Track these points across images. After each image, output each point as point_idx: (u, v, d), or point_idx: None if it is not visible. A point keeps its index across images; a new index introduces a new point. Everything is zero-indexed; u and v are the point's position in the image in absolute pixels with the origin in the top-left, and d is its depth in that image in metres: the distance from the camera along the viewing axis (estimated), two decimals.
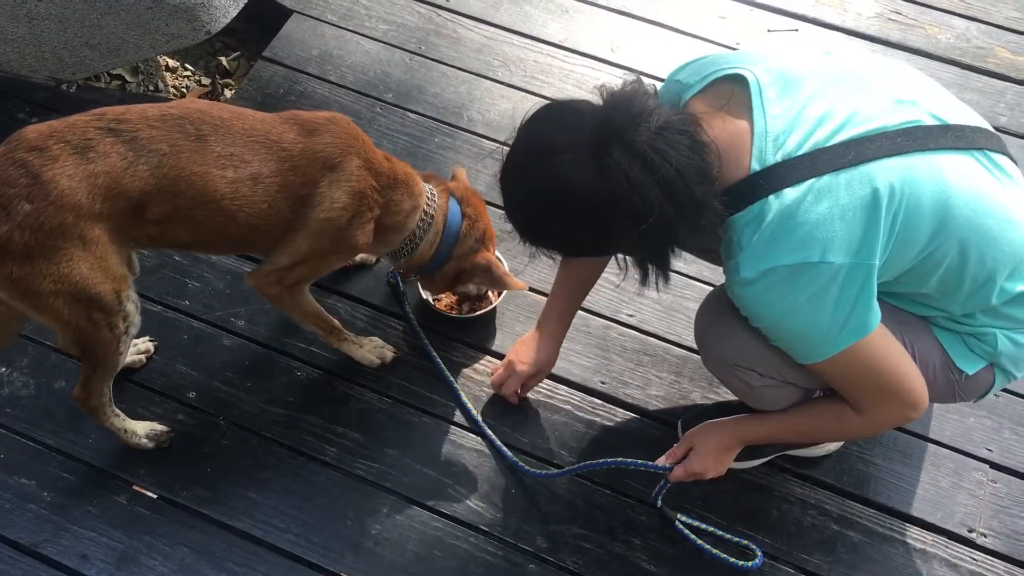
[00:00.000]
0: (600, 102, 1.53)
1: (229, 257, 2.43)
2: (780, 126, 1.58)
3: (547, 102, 1.64)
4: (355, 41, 2.96)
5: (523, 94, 2.84)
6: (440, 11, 3.05)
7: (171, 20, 2.45)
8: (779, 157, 1.56)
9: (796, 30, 3.06)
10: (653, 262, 1.63)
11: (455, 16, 3.04)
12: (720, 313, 1.80)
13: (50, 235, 1.71)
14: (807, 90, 1.61)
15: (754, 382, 1.82)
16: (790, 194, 1.54)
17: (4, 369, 2.23)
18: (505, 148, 1.62)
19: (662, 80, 1.81)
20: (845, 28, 3.09)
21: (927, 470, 2.17)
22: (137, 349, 2.24)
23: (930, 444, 2.20)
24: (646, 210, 1.49)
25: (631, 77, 1.59)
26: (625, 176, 1.47)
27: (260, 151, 1.86)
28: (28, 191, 1.69)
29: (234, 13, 2.55)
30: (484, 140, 2.73)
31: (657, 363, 2.32)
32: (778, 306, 1.60)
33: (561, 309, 2.15)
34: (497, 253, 2.22)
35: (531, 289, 2.42)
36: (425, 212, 2.05)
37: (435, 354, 2.27)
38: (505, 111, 2.80)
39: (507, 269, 2.34)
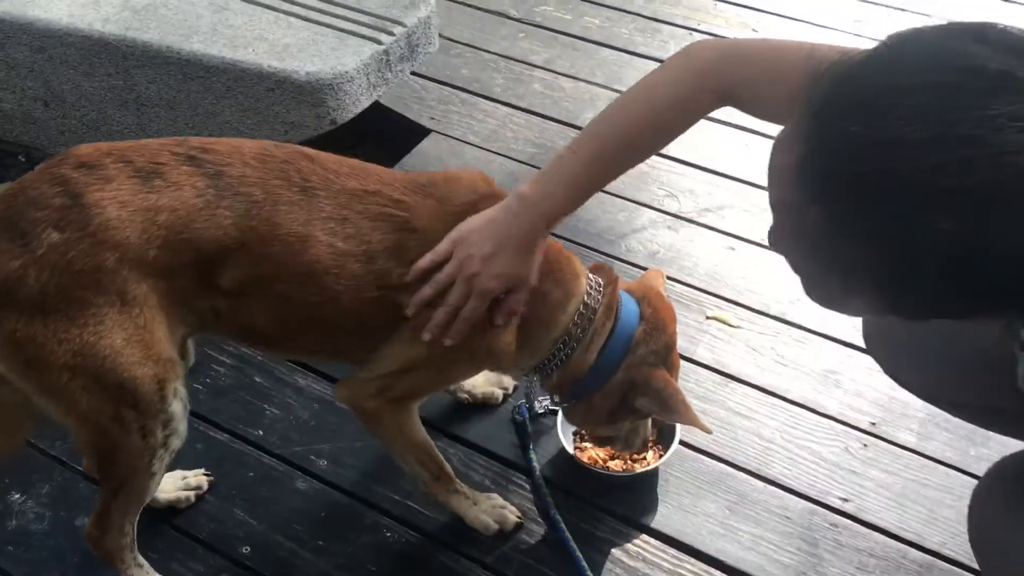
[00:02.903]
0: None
1: (319, 381, 1.93)
2: None
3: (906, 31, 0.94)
4: (498, 162, 2.57)
5: (696, 227, 2.35)
6: None
7: (293, 104, 2.11)
8: None
9: None
10: None
11: None
12: (1021, 499, 1.18)
13: (78, 280, 1.24)
14: None
15: None
16: None
17: (18, 495, 1.74)
18: None
19: None
20: None
21: None
22: (187, 483, 1.72)
23: None
24: None
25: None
26: None
27: (380, 218, 1.40)
28: (60, 215, 1.24)
29: (365, 104, 2.20)
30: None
31: (889, 570, 1.63)
32: None
33: (581, 169, 1.36)
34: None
35: (712, 456, 1.81)
36: (584, 304, 1.50)
37: (560, 520, 1.68)
38: (670, 243, 2.30)
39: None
